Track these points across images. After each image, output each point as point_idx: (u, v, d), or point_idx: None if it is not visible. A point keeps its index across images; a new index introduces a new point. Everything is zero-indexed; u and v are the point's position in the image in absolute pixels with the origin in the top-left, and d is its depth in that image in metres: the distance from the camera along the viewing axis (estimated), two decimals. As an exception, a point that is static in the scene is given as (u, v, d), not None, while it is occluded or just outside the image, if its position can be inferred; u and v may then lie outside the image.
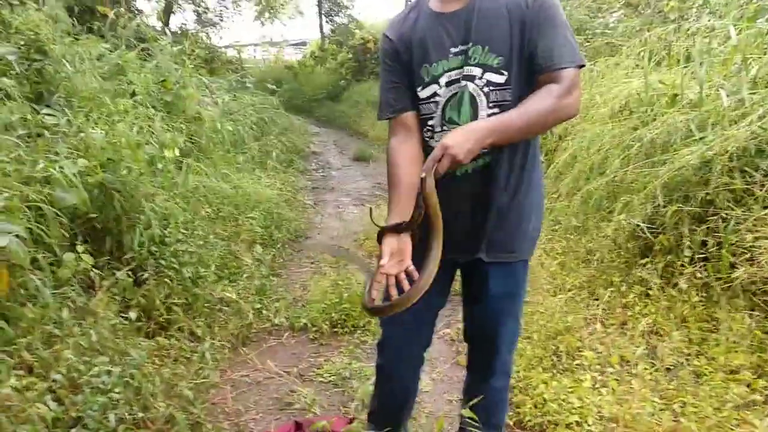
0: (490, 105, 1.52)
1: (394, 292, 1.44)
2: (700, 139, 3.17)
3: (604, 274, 3.42)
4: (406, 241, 1.48)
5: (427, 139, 1.64)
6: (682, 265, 3.03)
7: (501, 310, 1.75)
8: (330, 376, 2.84)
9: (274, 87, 9.92)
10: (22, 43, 3.50)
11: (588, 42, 6.19)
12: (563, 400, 2.38)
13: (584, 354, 2.68)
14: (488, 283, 1.70)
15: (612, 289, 3.22)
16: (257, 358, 3.01)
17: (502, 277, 1.70)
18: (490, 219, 1.61)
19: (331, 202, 6.57)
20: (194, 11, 17.61)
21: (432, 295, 1.59)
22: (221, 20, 18.71)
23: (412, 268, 1.45)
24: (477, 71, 1.52)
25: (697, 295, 2.91)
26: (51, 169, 2.53)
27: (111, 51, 4.60)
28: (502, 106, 1.51)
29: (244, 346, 3.12)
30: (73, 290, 2.48)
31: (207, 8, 17.75)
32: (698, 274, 2.94)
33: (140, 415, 2.03)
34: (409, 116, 1.64)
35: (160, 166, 3.35)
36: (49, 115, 2.94)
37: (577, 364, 2.65)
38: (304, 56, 20.83)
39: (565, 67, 1.47)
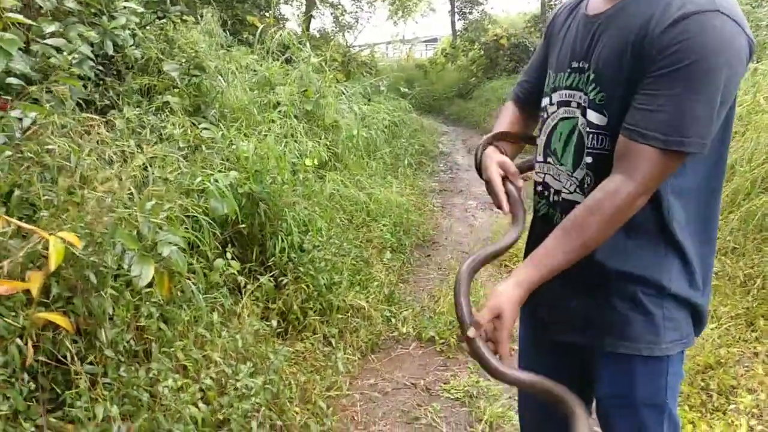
0: (587, 151, 1.19)
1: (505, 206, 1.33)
2: None
3: (765, 303, 3.07)
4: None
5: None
6: None
7: (612, 417, 1.32)
8: (457, 393, 2.82)
9: (406, 90, 10.02)
10: (184, 60, 3.83)
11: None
12: (714, 447, 2.17)
13: (740, 395, 2.43)
14: (595, 376, 1.32)
15: (775, 321, 2.89)
16: (385, 367, 3.07)
17: (610, 370, 1.28)
18: (585, 288, 1.25)
19: (459, 205, 6.53)
20: (332, 14, 18.34)
21: (555, 371, 1.37)
22: (357, 22, 19.30)
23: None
24: (586, 101, 1.19)
25: None
26: (207, 182, 2.74)
27: (258, 62, 4.90)
28: (600, 158, 1.17)
29: (373, 353, 3.20)
30: (222, 294, 2.68)
31: (344, 11, 18.37)
32: None
33: (278, 422, 2.14)
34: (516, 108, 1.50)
35: (301, 176, 3.52)
36: (205, 128, 3.20)
37: (731, 408, 2.41)
38: (435, 54, 20.89)
39: (647, 143, 1.05)
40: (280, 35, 5.38)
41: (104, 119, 2.71)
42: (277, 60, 5.11)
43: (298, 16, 11.76)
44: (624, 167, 1.09)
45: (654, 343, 1.22)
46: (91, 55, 2.81)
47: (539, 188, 1.36)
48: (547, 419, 1.50)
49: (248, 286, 2.81)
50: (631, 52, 1.09)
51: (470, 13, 19.95)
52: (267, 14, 7.98)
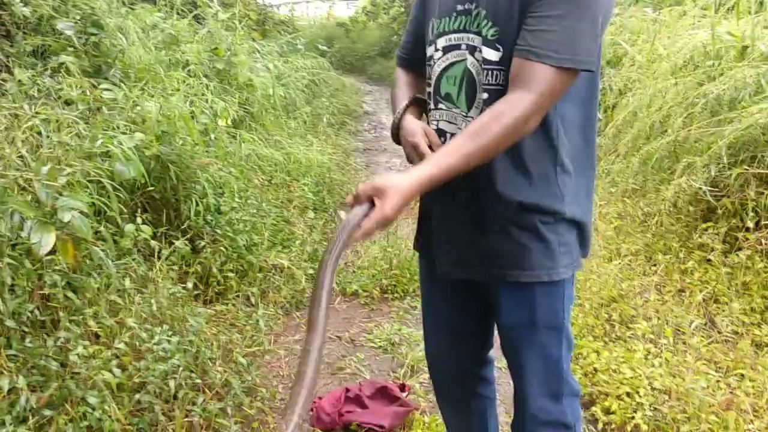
0: (483, 88, 1.23)
1: None
2: (772, 95, 2.97)
3: (663, 239, 3.31)
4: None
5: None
6: (747, 230, 2.90)
7: (517, 344, 1.40)
8: (380, 342, 2.90)
9: (326, 48, 9.84)
10: (79, 17, 3.59)
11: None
12: (614, 371, 2.35)
13: (638, 323, 2.63)
14: (499, 310, 1.38)
15: (670, 255, 3.12)
16: (310, 323, 3.10)
17: (512, 300, 1.35)
18: (488, 230, 1.29)
19: (383, 163, 6.56)
20: (246, -29, 17.57)
21: (457, 311, 1.50)
22: (273, -23, 18.59)
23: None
24: (477, 41, 1.23)
25: (762, 261, 2.79)
26: (110, 144, 2.62)
27: (164, 19, 4.67)
28: (496, 93, 1.20)
29: (297, 311, 3.22)
30: (134, 260, 2.61)
31: (258, -35, 17.65)
32: (764, 240, 2.80)
33: (198, 381, 2.14)
34: (408, 73, 1.49)
35: (213, 136, 3.43)
36: (107, 89, 3.04)
37: (630, 334, 2.61)
38: (356, 12, 20.54)
39: (541, 61, 1.11)
40: (187, -9, 5.12)
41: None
42: (185, 17, 4.88)
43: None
44: (521, 85, 1.14)
45: (552, 269, 1.30)
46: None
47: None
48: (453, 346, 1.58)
49: (163, 252, 2.74)
50: None
51: (389, -31, 19.63)
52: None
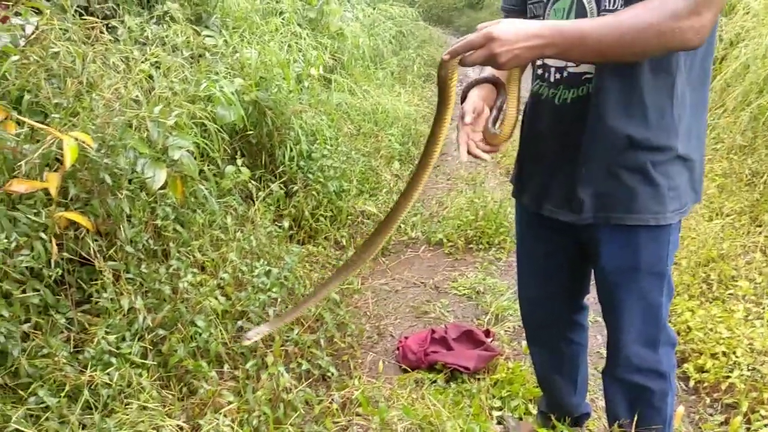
0: (602, 14, 1.16)
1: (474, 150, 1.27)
2: None
3: (771, 198, 3.10)
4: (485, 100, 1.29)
5: None
6: None
7: (617, 289, 1.37)
8: (464, 290, 2.93)
9: (413, -1, 9.68)
10: (182, -34, 3.72)
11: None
12: (711, 330, 2.27)
13: (739, 283, 2.51)
14: (599, 253, 1.35)
15: (779, 215, 2.92)
16: (395, 269, 3.18)
17: (616, 244, 1.32)
18: (594, 165, 1.26)
19: (469, 117, 6.47)
20: None
21: (553, 257, 1.48)
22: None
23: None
24: None
25: None
26: (212, 88, 2.75)
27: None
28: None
29: (383, 257, 3.30)
30: (234, 200, 2.75)
31: None
32: None
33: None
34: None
35: (306, 83, 3.50)
36: (209, 36, 3.16)
37: (729, 294, 2.50)
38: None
39: None
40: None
41: (106, 23, 2.68)
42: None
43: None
44: None
45: (659, 213, 1.27)
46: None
47: (539, 71, 1.36)
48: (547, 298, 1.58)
49: (260, 193, 2.87)
50: None
51: None
52: None
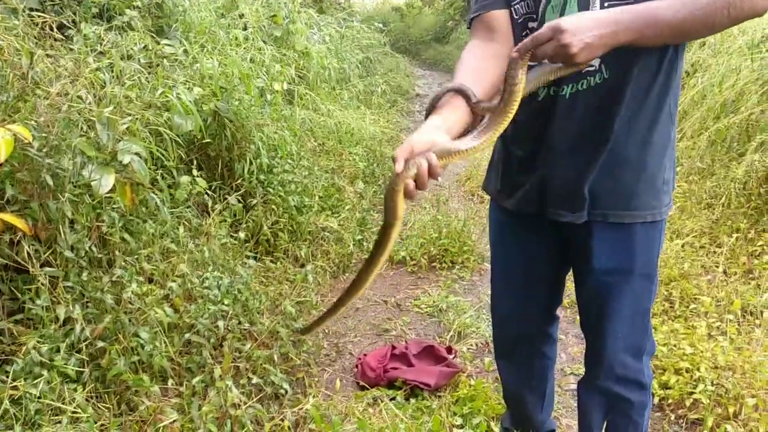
0: (606, 4, 1.10)
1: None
2: None
3: (730, 219, 3.14)
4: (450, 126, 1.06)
5: None
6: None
7: (609, 290, 1.31)
8: (427, 308, 2.86)
9: (381, 26, 9.79)
10: (144, -22, 3.65)
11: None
12: (674, 346, 2.24)
13: (701, 300, 2.50)
14: (591, 253, 1.28)
15: (738, 235, 2.95)
16: (357, 287, 3.08)
17: (611, 243, 1.27)
18: (599, 162, 1.20)
19: (435, 143, 6.49)
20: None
21: (534, 262, 1.42)
22: (331, -39, 18.64)
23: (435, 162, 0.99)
24: None
25: (841, 245, 2.60)
26: (169, 95, 2.65)
27: (224, -14, 4.70)
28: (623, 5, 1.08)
29: (344, 274, 3.20)
30: (189, 211, 2.64)
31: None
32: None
33: (247, 327, 2.14)
34: (497, 15, 1.22)
35: (269, 97, 3.43)
36: (168, 45, 3.07)
37: (692, 310, 2.48)
38: (412, -3, 20.37)
39: None
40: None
41: (58, 23, 2.58)
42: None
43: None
44: None
45: (656, 208, 1.25)
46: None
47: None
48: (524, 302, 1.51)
49: (216, 206, 2.76)
50: None
51: (448, -47, 19.38)
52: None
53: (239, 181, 3.06)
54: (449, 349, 2.36)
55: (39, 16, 2.49)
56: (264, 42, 4.08)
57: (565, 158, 1.24)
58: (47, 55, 2.38)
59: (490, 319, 1.64)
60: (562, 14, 1.16)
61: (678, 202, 3.44)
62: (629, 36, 1.01)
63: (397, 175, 0.98)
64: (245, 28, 3.98)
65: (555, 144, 1.25)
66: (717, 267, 2.83)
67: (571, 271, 1.44)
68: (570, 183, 1.25)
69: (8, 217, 1.78)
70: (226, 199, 2.87)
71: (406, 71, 10.99)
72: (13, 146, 1.63)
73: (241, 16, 3.98)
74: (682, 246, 2.96)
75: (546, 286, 1.49)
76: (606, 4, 1.11)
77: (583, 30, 0.98)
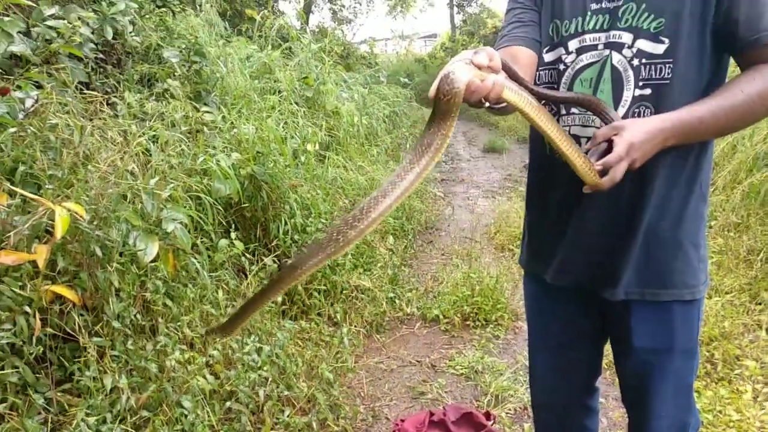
0: (640, 84, 1.15)
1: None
2: None
3: (769, 276, 3.08)
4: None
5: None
6: None
7: (650, 370, 1.29)
8: (462, 369, 2.83)
9: (407, 80, 10.02)
10: (183, 46, 3.84)
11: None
12: (720, 412, 2.18)
13: (744, 363, 2.44)
14: (630, 331, 1.28)
15: (779, 293, 2.89)
16: (390, 346, 3.08)
17: (650, 323, 1.27)
18: (633, 240, 1.22)
19: (461, 194, 6.53)
20: (330, 9, 18.32)
21: (572, 338, 1.41)
22: (355, 17, 19.29)
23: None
24: (627, 37, 1.16)
25: None
26: (209, 162, 2.75)
27: (259, 51, 4.91)
28: (658, 87, 1.14)
29: (378, 333, 3.20)
30: (227, 274, 2.69)
31: (343, 6, 18.36)
32: None
33: (285, 393, 2.15)
34: (522, 50, 1.27)
35: (302, 158, 3.53)
36: (207, 112, 3.20)
37: (736, 374, 2.42)
38: (434, 48, 20.87)
39: None
40: (280, 24, 5.38)
41: (106, 98, 2.72)
42: (277, 49, 5.11)
43: (296, 11, 11.80)
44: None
45: (694, 286, 1.25)
46: (92, 37, 2.81)
47: None
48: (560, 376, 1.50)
49: (252, 267, 2.82)
50: None
51: (469, 5, 19.92)
52: (265, 7, 7.98)
53: (275, 242, 3.12)
54: (488, 415, 2.33)
55: (86, 94, 2.62)
56: (296, 104, 4.22)
57: (597, 235, 1.26)
58: (95, 128, 2.50)
59: (528, 384, 1.62)
60: (594, 91, 1.20)
61: (715, 258, 3.40)
62: (675, 141, 1.09)
63: (464, 64, 0.94)
64: (279, 92, 4.13)
65: (587, 220, 1.26)
66: (759, 326, 2.76)
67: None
68: (604, 260, 1.26)
69: (60, 289, 1.85)
70: (262, 260, 2.93)
71: (431, 121, 11.16)
72: (69, 224, 1.71)
73: (276, 80, 4.13)
74: (722, 305, 2.91)
75: (585, 360, 1.48)
76: (641, 83, 1.15)
77: (644, 142, 1.06)
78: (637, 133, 1.05)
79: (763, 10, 1.08)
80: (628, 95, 1.18)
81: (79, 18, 2.81)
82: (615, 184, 1.07)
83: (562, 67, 1.26)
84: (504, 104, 1.05)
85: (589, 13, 1.21)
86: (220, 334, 1.23)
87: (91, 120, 2.53)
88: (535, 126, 1.08)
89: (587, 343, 1.45)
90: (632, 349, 1.30)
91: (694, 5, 1.11)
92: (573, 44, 1.24)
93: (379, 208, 0.94)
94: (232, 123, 3.24)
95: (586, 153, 1.09)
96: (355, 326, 3.04)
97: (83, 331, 1.87)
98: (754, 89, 1.08)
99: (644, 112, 1.17)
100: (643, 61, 1.15)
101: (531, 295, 1.53)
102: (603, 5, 1.20)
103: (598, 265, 1.27)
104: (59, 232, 1.70)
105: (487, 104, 1.00)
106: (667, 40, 1.13)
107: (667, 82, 1.14)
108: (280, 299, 2.66)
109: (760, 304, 2.94)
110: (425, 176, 1.02)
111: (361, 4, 19.70)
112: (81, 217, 1.83)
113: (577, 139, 1.24)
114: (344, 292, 3.24)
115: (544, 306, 1.49)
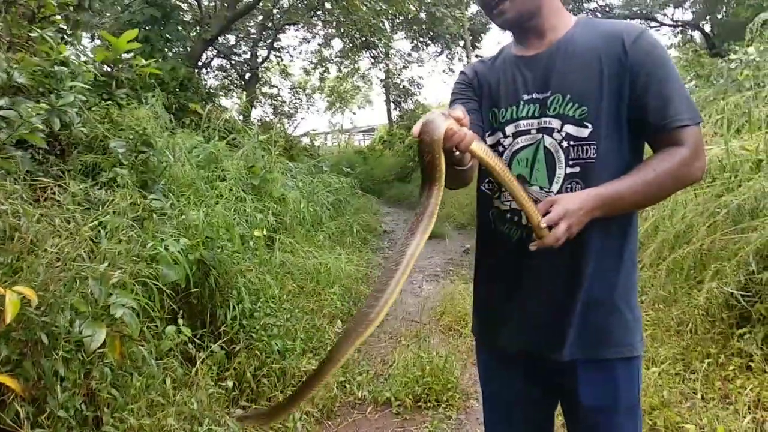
0: (570, 163, 1.30)
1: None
2: (792, 202, 3.08)
3: (699, 345, 3.26)
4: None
5: (487, 191, 1.45)
6: (786, 334, 2.87)
7: (597, 428, 1.38)
8: (417, 452, 2.80)
9: (350, 169, 10.33)
10: (131, 137, 3.90)
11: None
12: (667, 478, 2.24)
13: (686, 427, 2.54)
14: (578, 391, 1.36)
15: (709, 360, 3.06)
16: (343, 433, 3.02)
17: (596, 382, 1.35)
18: (577, 307, 1.32)
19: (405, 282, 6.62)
20: (271, 104, 18.91)
21: (523, 401, 1.47)
22: (296, 111, 19.95)
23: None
24: (555, 123, 1.32)
25: (806, 366, 2.73)
26: (158, 248, 2.75)
27: (204, 142, 5.01)
28: (585, 165, 1.29)
29: (329, 420, 3.14)
30: (174, 361, 2.63)
31: (284, 101, 19.00)
32: (805, 344, 2.77)
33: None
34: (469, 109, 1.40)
35: (251, 243, 3.56)
36: (155, 199, 3.22)
37: (679, 440, 2.51)
38: (373, 141, 21.67)
39: (687, 125, 1.25)
40: (224, 118, 5.54)
41: (56, 185, 2.71)
42: (223, 140, 5.24)
43: (241, 106, 12.14)
44: (674, 146, 1.27)
45: (630, 344, 1.36)
46: (43, 127, 2.84)
47: (508, 216, 1.40)
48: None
49: (200, 354, 2.76)
50: (609, 68, 1.29)
51: (405, 102, 20.98)
52: (207, 103, 8.20)
53: (222, 328, 3.08)
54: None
55: (37, 181, 2.61)
56: (243, 191, 4.30)
57: (541, 303, 1.36)
58: (41, 215, 2.48)
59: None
60: (531, 169, 1.35)
61: (648, 330, 3.58)
62: (601, 212, 1.25)
63: (443, 114, 1.12)
64: (224, 180, 4.21)
65: (531, 289, 1.37)
66: (695, 393, 2.90)
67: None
68: (549, 325, 1.36)
69: (2, 378, 1.77)
70: (210, 347, 2.88)
71: (373, 209, 11.43)
72: (18, 308, 1.67)
73: (223, 169, 4.22)
74: (659, 374, 3.05)
75: (538, 423, 1.54)
76: (570, 162, 1.31)
77: (578, 211, 1.22)
78: (570, 203, 1.22)
79: (669, 99, 1.26)
80: (560, 173, 1.32)
81: (29, 109, 2.85)
82: (557, 241, 1.20)
83: (501, 149, 1.40)
84: (469, 162, 1.23)
85: (521, 102, 1.37)
86: (259, 421, 1.27)
87: (37, 206, 2.52)
88: (497, 178, 1.24)
89: (539, 407, 1.52)
90: (580, 409, 1.38)
91: (611, 96, 1.29)
92: (510, 129, 1.39)
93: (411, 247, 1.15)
94: (180, 210, 3.27)
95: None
96: (308, 411, 2.98)
97: (25, 423, 1.78)
98: (663, 169, 1.25)
99: (575, 187, 1.31)
100: (571, 143, 1.31)
101: (483, 362, 1.60)
102: (533, 96, 1.36)
103: (545, 331, 1.37)
104: (9, 317, 1.66)
105: (457, 153, 1.14)
106: (590, 125, 1.29)
107: (593, 161, 1.30)
108: (230, 384, 2.60)
109: (693, 372, 3.10)
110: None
111: (301, 100, 20.45)
112: (31, 301, 1.80)
113: (517, 212, 1.38)
114: (294, 378, 3.19)
115: (495, 373, 1.56)
